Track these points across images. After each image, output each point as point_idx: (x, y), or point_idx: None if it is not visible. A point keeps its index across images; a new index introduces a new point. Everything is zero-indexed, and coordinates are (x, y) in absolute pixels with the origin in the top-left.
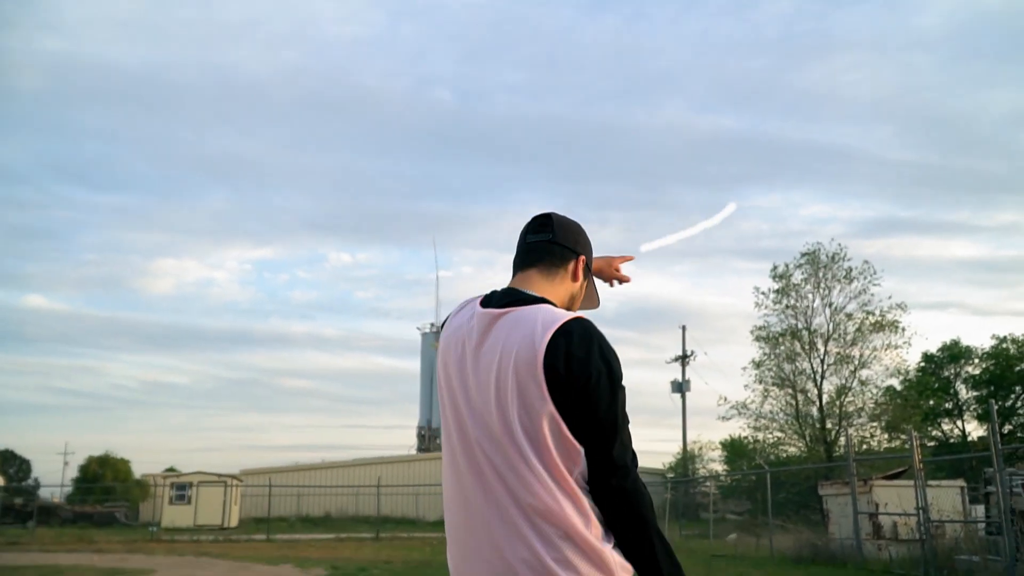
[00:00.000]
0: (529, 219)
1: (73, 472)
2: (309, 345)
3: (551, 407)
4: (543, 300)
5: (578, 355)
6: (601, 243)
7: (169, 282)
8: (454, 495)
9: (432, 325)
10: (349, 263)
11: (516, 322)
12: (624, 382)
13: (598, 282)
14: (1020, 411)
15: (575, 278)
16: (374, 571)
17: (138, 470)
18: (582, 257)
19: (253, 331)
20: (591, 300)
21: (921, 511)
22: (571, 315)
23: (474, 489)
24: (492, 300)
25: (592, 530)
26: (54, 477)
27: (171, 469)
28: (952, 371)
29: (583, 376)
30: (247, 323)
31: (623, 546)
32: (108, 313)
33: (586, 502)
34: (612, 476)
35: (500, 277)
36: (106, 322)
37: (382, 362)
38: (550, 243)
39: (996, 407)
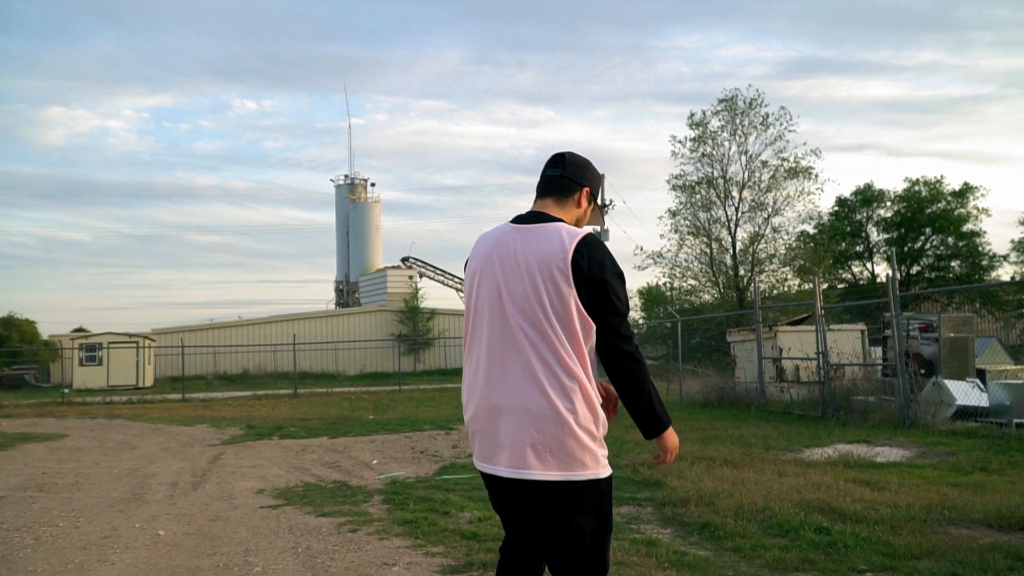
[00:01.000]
0: (549, 156)
1: None
2: (217, 198)
3: (575, 293)
4: (560, 220)
5: (596, 258)
6: (519, 88)
7: (60, 132)
8: (487, 363)
9: (346, 176)
10: (255, 111)
11: (545, 233)
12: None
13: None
14: (928, 253)
15: (579, 205)
16: (290, 428)
17: (45, 331)
18: (586, 188)
19: (156, 184)
20: (596, 220)
21: (821, 355)
22: (587, 230)
23: (510, 356)
24: (522, 219)
25: (593, 388)
26: None
27: (80, 329)
28: (864, 214)
29: (600, 273)
30: (149, 176)
31: (626, 394)
32: None
33: (590, 368)
34: (621, 341)
35: (414, 124)
36: None
37: (296, 215)
38: (561, 177)
39: (905, 248)
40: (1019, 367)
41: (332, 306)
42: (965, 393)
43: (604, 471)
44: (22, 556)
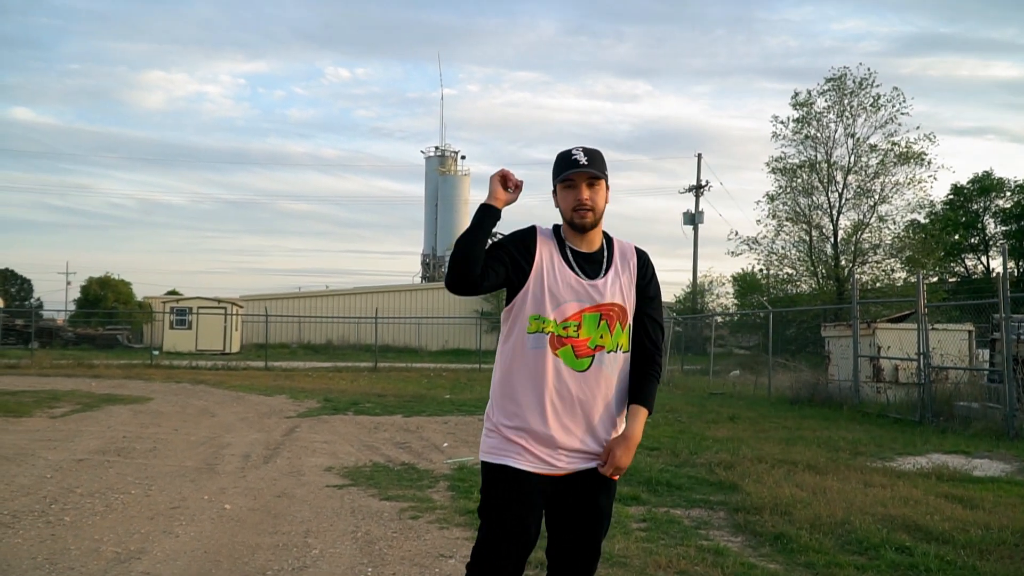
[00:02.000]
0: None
1: (75, 293)
2: (309, 166)
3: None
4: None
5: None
6: (616, 60)
7: (159, 96)
8: None
9: (436, 148)
10: (348, 79)
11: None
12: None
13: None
14: None
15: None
16: (366, 404)
17: (139, 292)
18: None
19: (250, 150)
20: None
21: (922, 356)
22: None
23: None
24: None
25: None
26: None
27: (172, 292)
28: (982, 204)
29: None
30: (243, 141)
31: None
32: (98, 128)
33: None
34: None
35: (507, 96)
36: (97, 137)
37: (385, 185)
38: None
39: (1017, 245)
40: None
41: (418, 279)
42: None
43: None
44: (91, 523)
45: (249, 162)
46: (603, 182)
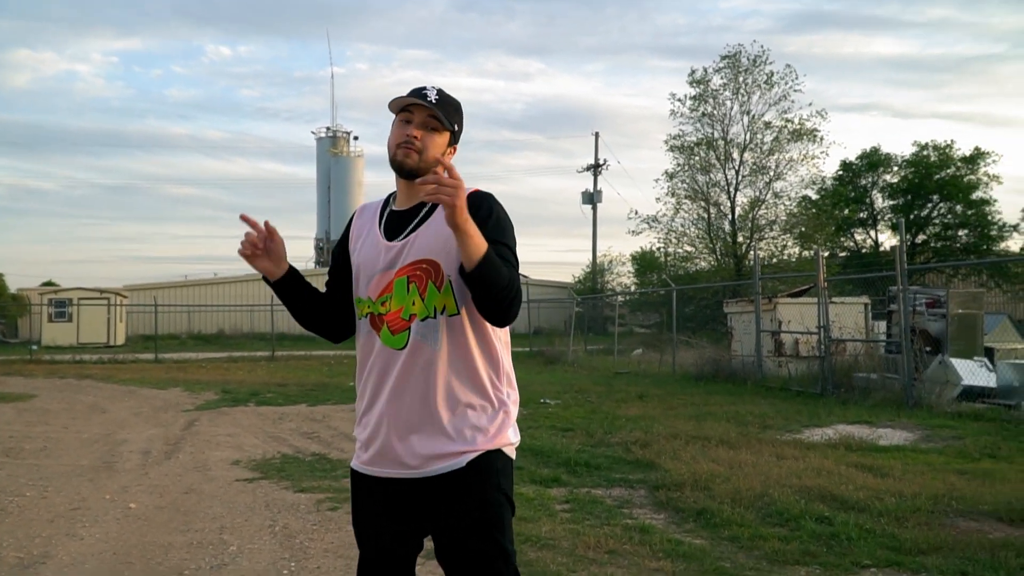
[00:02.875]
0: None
1: None
2: (191, 148)
3: None
4: None
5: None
6: (508, 37)
7: (26, 76)
8: None
9: (328, 129)
10: (229, 57)
11: None
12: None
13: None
14: (936, 221)
15: None
16: (267, 394)
17: (13, 284)
18: None
19: (126, 132)
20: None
21: (822, 329)
22: None
23: None
24: None
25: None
26: None
27: (49, 283)
28: (870, 180)
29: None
30: (119, 123)
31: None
32: None
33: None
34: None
35: (397, 75)
36: None
37: (274, 168)
38: None
39: (912, 216)
40: None
41: (312, 264)
42: (972, 373)
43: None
44: None
45: (126, 145)
46: (445, 135)
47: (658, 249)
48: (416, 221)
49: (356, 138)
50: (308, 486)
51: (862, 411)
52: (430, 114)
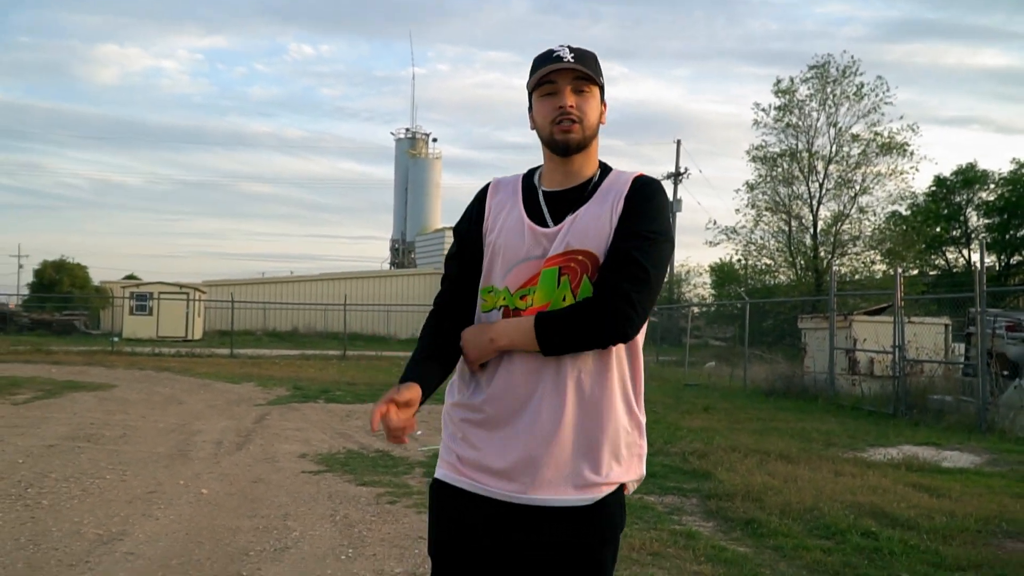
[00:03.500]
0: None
1: (27, 277)
2: (271, 146)
3: None
4: None
5: None
6: (591, 41)
7: (113, 72)
8: None
9: (407, 130)
10: (311, 56)
11: None
12: None
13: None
14: None
15: None
16: (337, 392)
17: (96, 276)
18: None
19: (208, 129)
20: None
21: (897, 349)
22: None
23: None
24: None
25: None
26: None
27: (131, 276)
28: (964, 196)
29: None
30: (201, 120)
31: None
32: (50, 104)
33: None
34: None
35: (479, 77)
36: (48, 113)
37: (352, 168)
38: None
39: (1007, 236)
40: None
41: (387, 265)
42: None
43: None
44: (69, 507)
45: (208, 142)
46: (596, 89)
47: (737, 261)
48: (573, 204)
49: (435, 140)
50: (370, 480)
51: (933, 433)
52: (576, 75)
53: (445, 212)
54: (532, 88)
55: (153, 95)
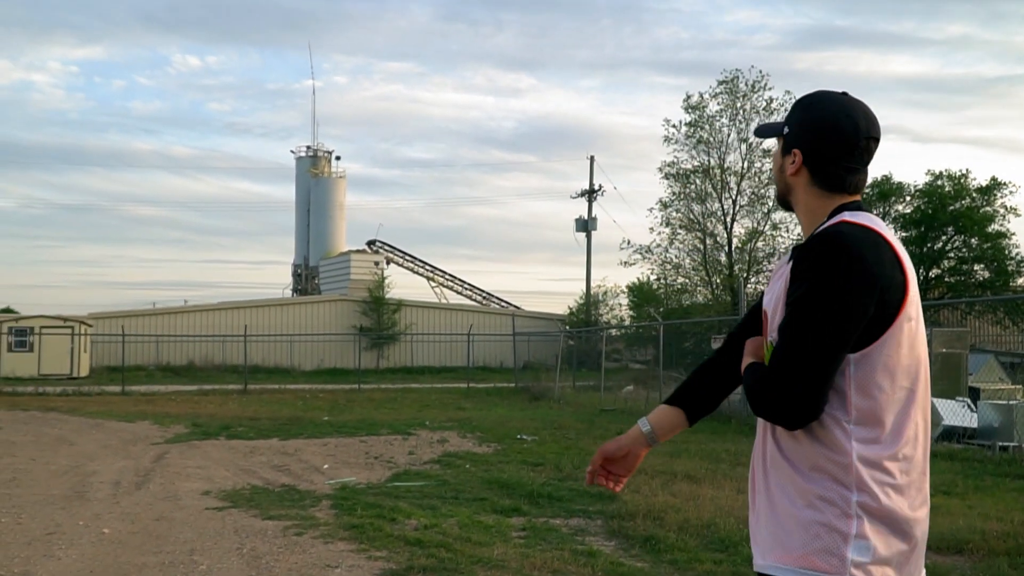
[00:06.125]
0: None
1: None
2: (157, 166)
3: None
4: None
5: None
6: (497, 50)
7: None
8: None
9: (308, 148)
10: (198, 68)
11: None
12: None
13: None
14: (950, 255)
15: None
16: (238, 428)
17: None
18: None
19: (87, 148)
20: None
21: None
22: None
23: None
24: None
25: None
26: None
27: (7, 310)
28: (881, 210)
29: None
30: (78, 137)
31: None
32: None
33: None
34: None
35: (379, 89)
36: None
37: (247, 188)
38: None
39: (924, 249)
40: (1016, 387)
41: (289, 292)
42: (954, 413)
43: None
44: None
45: (87, 162)
46: (779, 145)
47: (655, 281)
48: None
49: (338, 158)
50: (276, 514)
51: None
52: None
53: (350, 234)
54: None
55: (23, 111)
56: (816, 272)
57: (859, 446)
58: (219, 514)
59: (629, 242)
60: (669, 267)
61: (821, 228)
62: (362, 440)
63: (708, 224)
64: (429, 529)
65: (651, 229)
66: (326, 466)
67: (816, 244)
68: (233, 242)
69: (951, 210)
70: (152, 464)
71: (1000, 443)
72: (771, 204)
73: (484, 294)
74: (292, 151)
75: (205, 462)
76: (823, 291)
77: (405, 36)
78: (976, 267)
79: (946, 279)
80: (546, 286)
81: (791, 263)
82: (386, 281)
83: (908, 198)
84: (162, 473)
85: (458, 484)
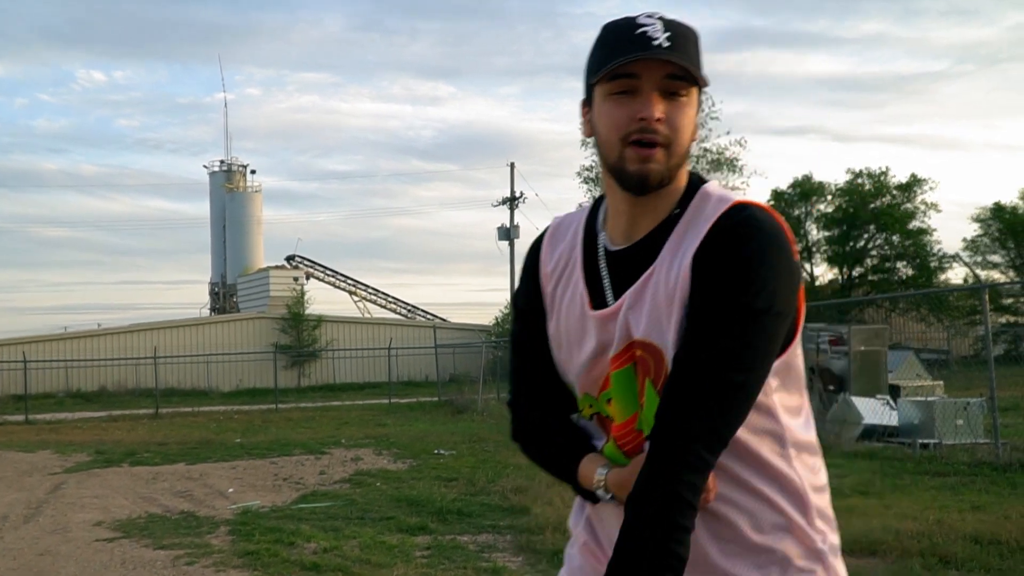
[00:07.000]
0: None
1: None
2: (64, 185)
3: None
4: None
5: None
6: (414, 59)
7: None
8: None
9: (222, 162)
10: (104, 83)
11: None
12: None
13: None
14: (872, 253)
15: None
16: (144, 454)
17: None
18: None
19: None
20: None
21: None
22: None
23: None
24: None
25: None
26: None
27: None
28: (803, 209)
29: None
30: None
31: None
32: None
33: None
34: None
35: (293, 100)
36: None
37: (160, 205)
38: None
39: (847, 248)
40: (936, 383)
41: (207, 311)
42: (874, 411)
43: None
44: None
45: None
46: (694, 96)
47: None
48: (641, 266)
49: (254, 172)
50: (169, 543)
51: None
52: (668, 72)
53: (268, 249)
54: (594, 82)
55: None
56: (765, 266)
57: None
58: (108, 545)
59: None
60: None
61: (726, 203)
62: (272, 462)
63: None
64: (328, 552)
65: None
66: (231, 490)
67: (756, 226)
68: (148, 262)
69: (872, 208)
70: (46, 495)
71: (921, 440)
72: None
73: (409, 307)
74: (205, 166)
75: (103, 491)
76: (776, 296)
77: (319, 46)
78: (899, 264)
79: (869, 277)
80: (473, 297)
81: (707, 238)
82: (306, 297)
83: (829, 197)
84: (55, 505)
85: (366, 504)
